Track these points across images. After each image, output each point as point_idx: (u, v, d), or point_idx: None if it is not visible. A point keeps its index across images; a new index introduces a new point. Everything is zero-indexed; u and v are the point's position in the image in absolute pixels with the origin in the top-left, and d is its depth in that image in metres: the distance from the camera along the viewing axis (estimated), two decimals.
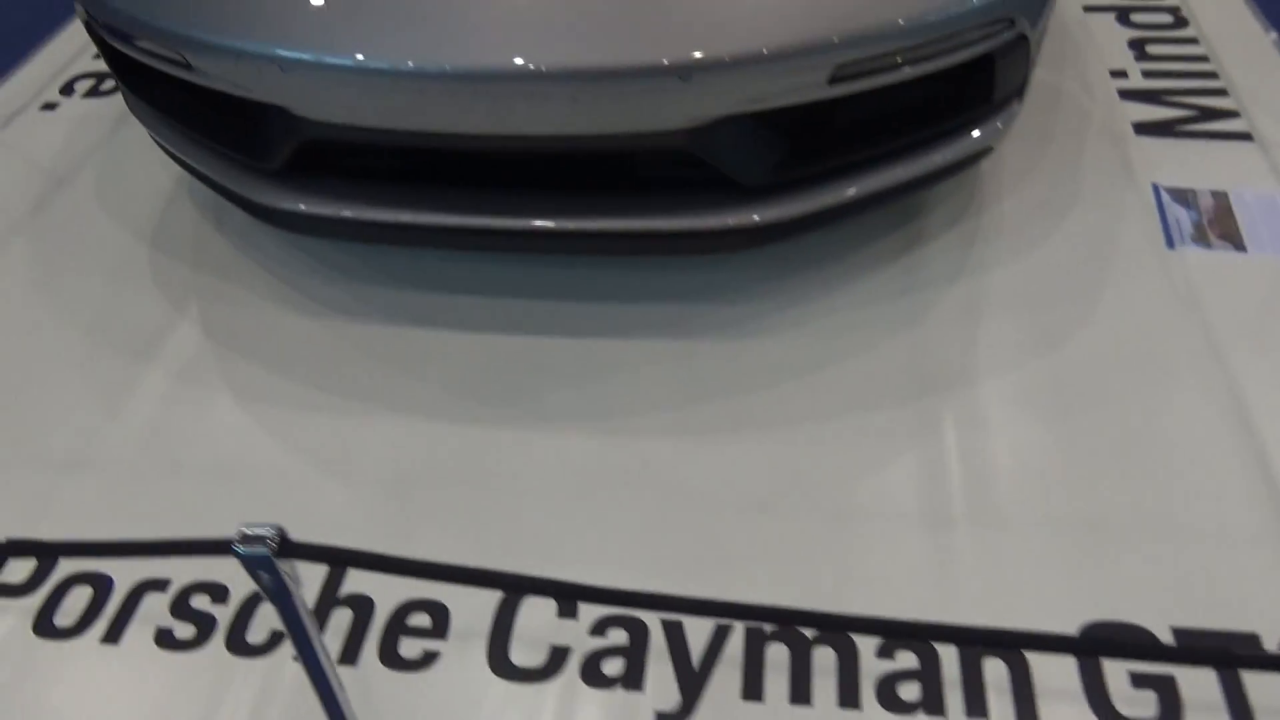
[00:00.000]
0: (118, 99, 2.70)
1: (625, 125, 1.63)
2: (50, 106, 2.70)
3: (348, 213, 1.80)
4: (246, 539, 0.93)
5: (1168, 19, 2.73)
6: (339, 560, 0.99)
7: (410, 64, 1.57)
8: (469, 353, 1.91)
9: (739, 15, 1.56)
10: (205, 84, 1.77)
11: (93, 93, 2.75)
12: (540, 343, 1.91)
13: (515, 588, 1.31)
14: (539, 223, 1.77)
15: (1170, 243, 2.04)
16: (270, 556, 0.92)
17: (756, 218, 1.73)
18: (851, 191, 1.77)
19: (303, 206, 1.82)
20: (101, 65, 2.86)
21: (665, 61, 1.54)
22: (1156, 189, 2.16)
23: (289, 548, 0.92)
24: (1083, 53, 2.55)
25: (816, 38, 1.55)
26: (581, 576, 1.26)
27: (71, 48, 2.94)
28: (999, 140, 1.89)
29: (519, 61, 1.54)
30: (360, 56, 1.59)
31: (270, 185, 1.86)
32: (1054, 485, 1.61)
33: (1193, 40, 2.63)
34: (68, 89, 2.77)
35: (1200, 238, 2.03)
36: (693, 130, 1.64)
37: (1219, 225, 2.05)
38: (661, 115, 1.61)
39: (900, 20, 1.58)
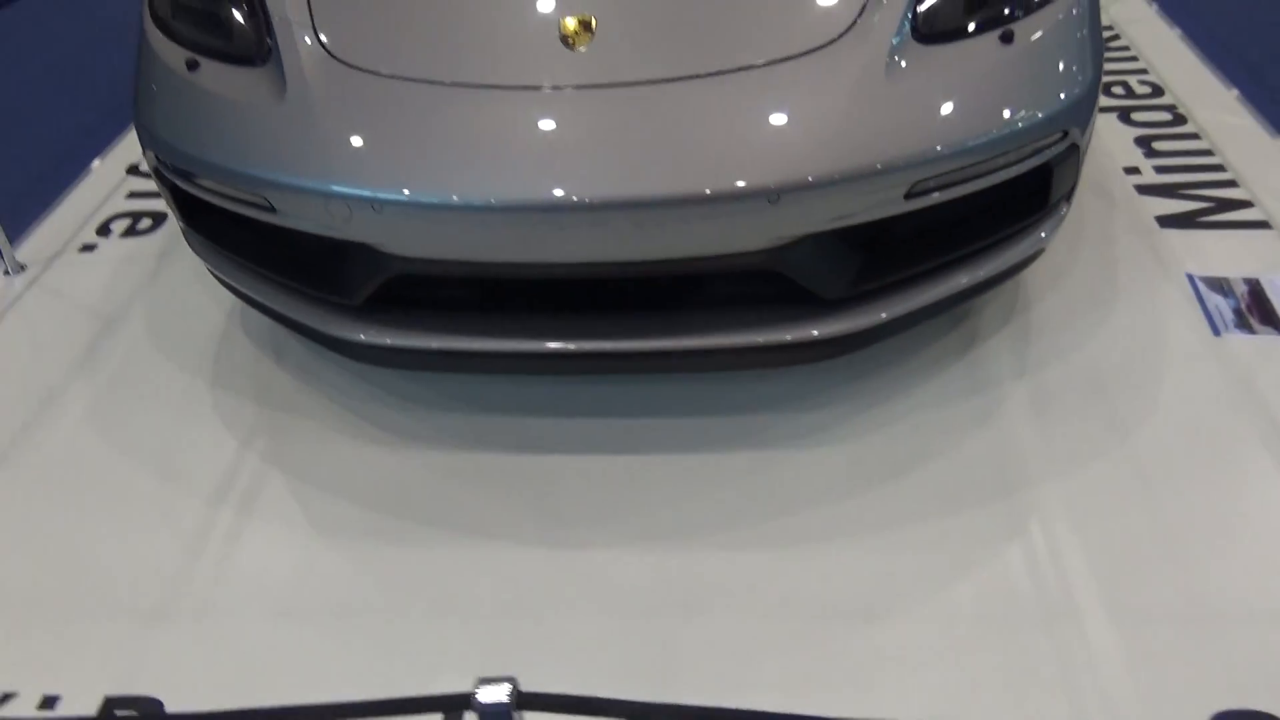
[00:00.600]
0: (158, 237, 2.73)
1: (714, 247, 1.70)
2: (89, 248, 2.72)
3: (434, 344, 1.83)
4: (484, 689, 0.91)
5: (1167, 116, 2.89)
6: (578, 708, 0.97)
7: (507, 200, 1.63)
8: (548, 475, 1.91)
9: (825, 140, 1.64)
10: (288, 225, 1.81)
11: (130, 232, 2.78)
12: (621, 461, 1.92)
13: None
14: (622, 344, 1.81)
15: (1215, 330, 2.12)
16: (509, 708, 0.90)
17: (838, 328, 1.78)
18: (925, 298, 1.84)
19: (390, 340, 1.84)
20: (137, 205, 2.90)
21: (757, 186, 1.61)
22: (1191, 279, 2.26)
23: (524, 698, 0.90)
24: (1095, 151, 2.67)
25: (898, 158, 1.64)
26: (712, 700, 1.22)
27: (103, 189, 2.98)
28: (1051, 240, 1.97)
29: (619, 193, 1.61)
30: (457, 196, 1.64)
31: (354, 320, 1.88)
32: (1154, 574, 1.64)
33: (1194, 136, 2.78)
34: (104, 229, 2.79)
35: (1243, 324, 2.12)
36: (777, 249, 1.71)
37: (1258, 310, 2.15)
38: (749, 236, 1.69)
39: (971, 140, 1.67)
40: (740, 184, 1.60)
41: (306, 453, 2.01)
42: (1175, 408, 1.95)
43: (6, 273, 2.62)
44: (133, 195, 2.95)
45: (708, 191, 1.60)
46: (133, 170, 3.07)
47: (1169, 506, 1.76)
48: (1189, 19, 3.51)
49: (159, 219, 2.81)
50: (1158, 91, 3.03)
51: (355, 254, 1.80)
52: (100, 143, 3.25)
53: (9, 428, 2.14)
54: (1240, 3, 3.71)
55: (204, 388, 2.20)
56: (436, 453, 1.98)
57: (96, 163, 3.12)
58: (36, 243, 2.75)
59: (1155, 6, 3.56)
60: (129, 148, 3.18)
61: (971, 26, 1.77)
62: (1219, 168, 2.62)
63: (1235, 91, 2.99)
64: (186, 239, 2.14)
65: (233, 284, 2.07)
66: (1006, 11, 1.79)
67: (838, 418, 1.98)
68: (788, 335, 1.78)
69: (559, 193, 1.61)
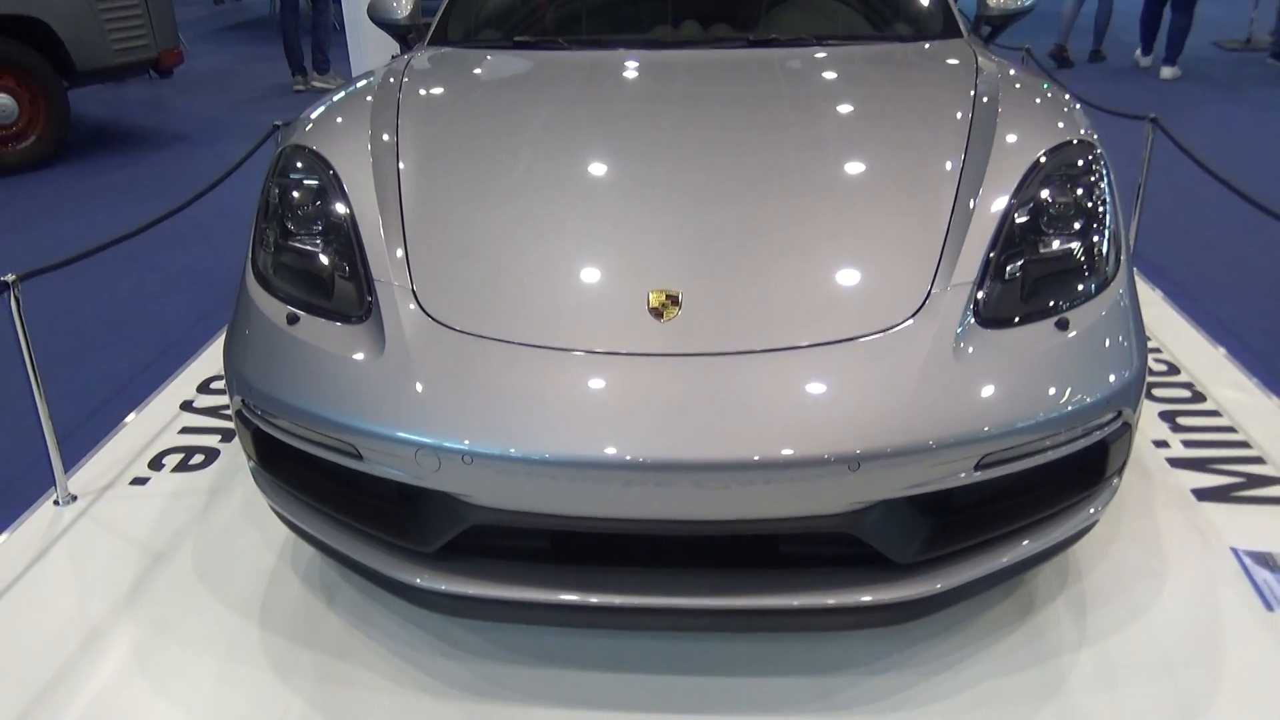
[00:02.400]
0: (210, 473, 2.76)
1: (793, 509, 1.75)
2: (140, 481, 2.74)
3: (503, 593, 1.83)
4: None
5: (1186, 394, 3.03)
6: None
7: (596, 459, 1.69)
8: None
9: (905, 412, 1.72)
10: (372, 472, 1.86)
11: (182, 467, 2.81)
12: None
13: None
14: (696, 601, 1.82)
15: (1269, 605, 2.15)
16: None
17: (911, 592, 1.81)
18: (991, 564, 1.87)
19: (458, 588, 1.84)
20: (190, 440, 2.95)
21: (841, 454, 1.68)
22: (1237, 553, 2.30)
23: None
24: None
25: (972, 431, 1.73)
26: None
27: (157, 424, 3.04)
28: (1104, 512, 2.02)
29: (714, 455, 1.67)
30: (548, 454, 1.70)
31: (422, 566, 1.89)
32: None
33: (1215, 413, 2.91)
34: (156, 463, 2.82)
35: None
36: (851, 513, 1.76)
37: None
38: (827, 500, 1.74)
39: (1038, 417, 1.77)
40: (825, 451, 1.67)
41: (355, 700, 1.97)
42: (1239, 685, 1.94)
43: (57, 503, 2.63)
44: (186, 430, 3.00)
45: (794, 456, 1.67)
46: (186, 406, 3.15)
47: None
48: (1192, 303, 3.75)
49: (211, 455, 2.85)
50: (1173, 370, 3.18)
51: (436, 503, 1.84)
52: (157, 378, 3.35)
53: (49, 667, 2.08)
54: (1243, 287, 3.95)
55: (253, 629, 2.17)
56: (488, 705, 1.94)
57: (153, 399, 3.20)
58: (89, 473, 2.78)
59: (1160, 292, 3.80)
60: (184, 384, 3.29)
61: (1029, 314, 1.89)
62: (1244, 444, 2.73)
63: (1244, 371, 3.13)
64: (256, 479, 2.18)
65: (299, 524, 2.08)
66: (1061, 301, 1.92)
67: (903, 684, 1.96)
68: (865, 597, 1.79)
69: (654, 455, 1.67)
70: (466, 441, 1.73)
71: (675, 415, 1.71)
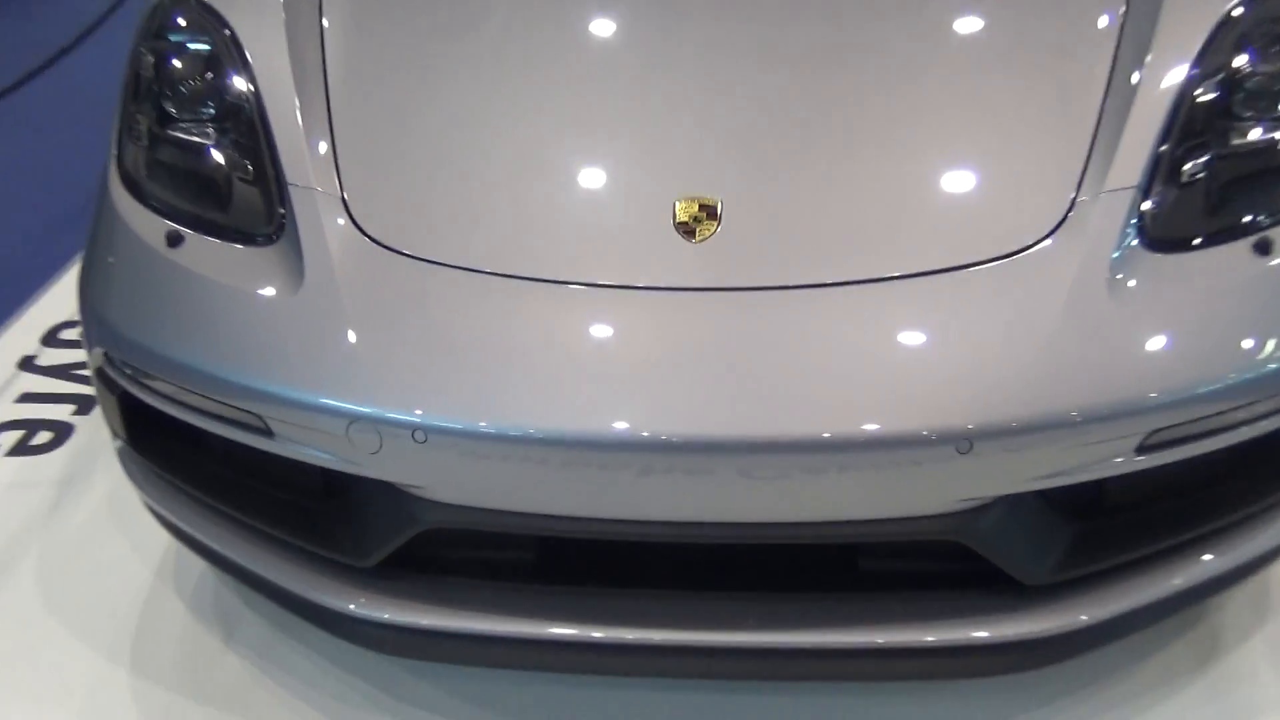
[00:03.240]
0: (59, 458, 2.78)
1: (878, 509, 1.76)
2: None
3: (480, 627, 1.86)
4: None
5: None
6: None
7: (606, 433, 1.69)
8: None
9: (1037, 370, 1.70)
10: (286, 454, 1.86)
11: (21, 449, 2.83)
12: None
13: None
14: (740, 638, 1.84)
15: None
16: None
17: (1044, 627, 1.81)
18: (1160, 589, 1.88)
19: (409, 618, 1.87)
20: (31, 412, 2.96)
21: (946, 430, 1.66)
22: None
23: None
24: None
25: (1133, 398, 1.71)
26: None
27: None
28: None
29: (761, 434, 1.67)
30: (538, 428, 1.69)
31: (359, 587, 1.91)
32: None
33: None
34: None
35: None
36: (960, 514, 1.76)
37: None
38: (928, 496, 1.74)
39: (1230, 376, 1.75)
40: (924, 426, 1.66)
41: None
42: None
43: None
44: (25, 399, 3.02)
45: (878, 435, 1.66)
46: (26, 364, 3.15)
47: None
48: None
49: (62, 432, 2.87)
50: None
51: (376, 497, 1.85)
52: None
53: None
54: None
55: (120, 676, 2.20)
56: None
57: None
58: None
59: None
60: (21, 334, 3.29)
61: (1216, 232, 1.87)
62: None
63: None
64: (124, 464, 2.20)
65: (185, 528, 2.10)
66: (1261, 215, 1.89)
67: None
68: (979, 633, 1.81)
69: (682, 431, 1.67)
70: (419, 411, 1.73)
71: (712, 375, 1.71)
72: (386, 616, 1.90)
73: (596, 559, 1.91)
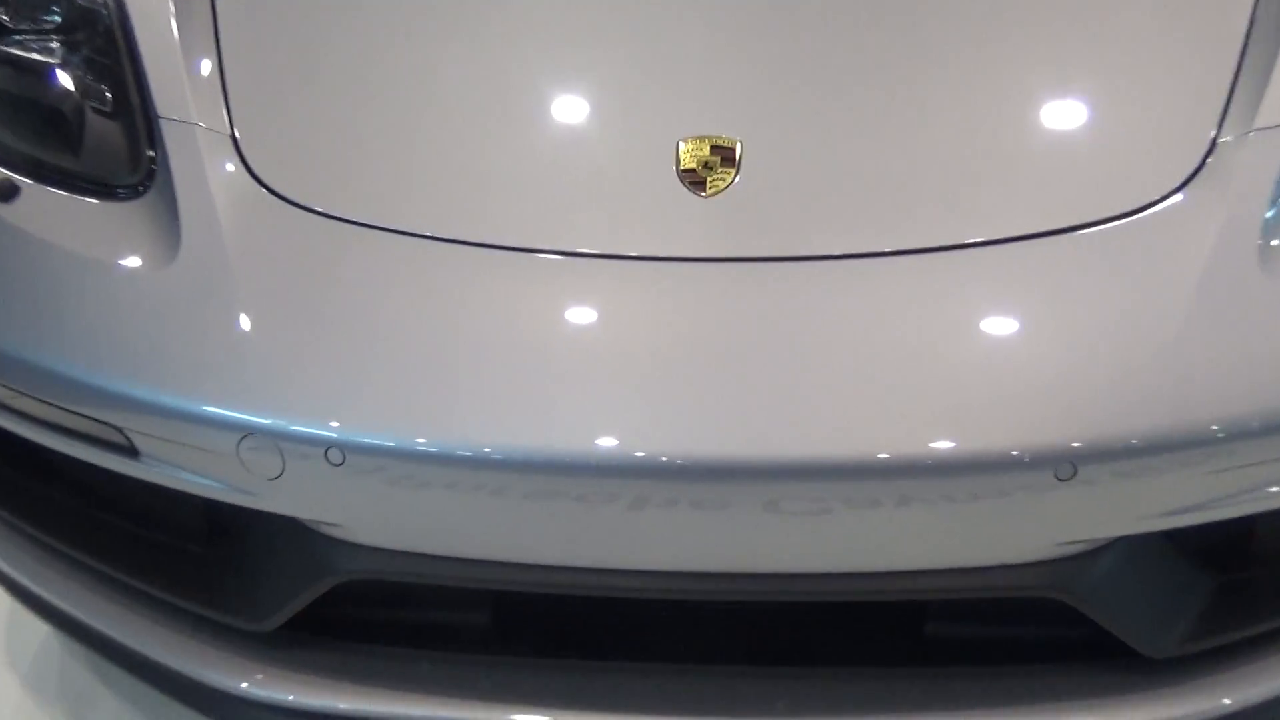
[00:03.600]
0: None
1: (951, 555, 1.69)
2: None
3: (417, 713, 1.79)
4: None
5: None
6: None
7: (587, 453, 1.60)
8: None
9: (1163, 369, 1.62)
10: (155, 479, 1.78)
11: None
12: None
13: None
14: None
15: None
16: None
17: (1175, 713, 1.75)
18: None
19: (342, 705, 1.80)
20: None
21: (1038, 450, 1.57)
22: None
23: None
24: None
25: None
26: None
27: None
28: None
29: (794, 455, 1.58)
30: (491, 446, 1.60)
31: (261, 662, 1.85)
32: None
33: None
34: None
35: None
36: (1060, 562, 1.68)
37: None
38: (1016, 537, 1.66)
39: None
40: (1012, 445, 1.57)
41: None
42: None
43: None
44: None
45: (949, 456, 1.58)
46: None
47: None
48: None
49: None
50: None
51: (277, 540, 1.80)
52: None
53: None
54: None
55: None
56: None
57: None
58: None
59: None
60: None
61: None
62: None
63: None
64: None
65: (22, 580, 2.04)
66: None
67: None
68: (1088, 718, 1.74)
69: (690, 451, 1.59)
70: (334, 423, 1.64)
71: (728, 376, 1.64)
72: (290, 699, 1.84)
73: (572, 623, 1.91)
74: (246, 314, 1.72)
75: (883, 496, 1.60)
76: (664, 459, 1.59)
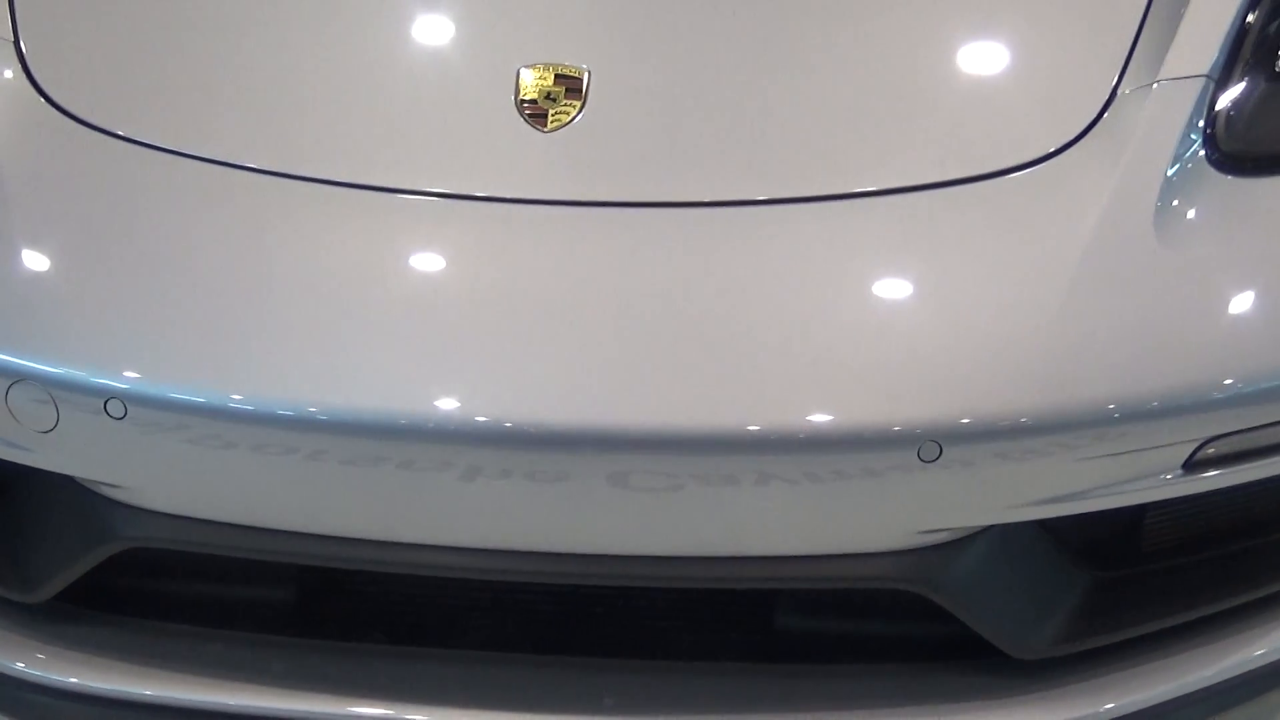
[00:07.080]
0: None
1: (808, 541, 1.65)
2: None
3: (207, 699, 1.75)
4: None
5: None
6: None
7: (413, 414, 1.57)
8: None
9: (1039, 347, 1.60)
10: None
11: None
12: None
13: None
14: None
15: None
16: None
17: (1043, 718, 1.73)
18: (1216, 668, 1.80)
19: (126, 688, 1.76)
20: None
21: (901, 426, 1.54)
22: None
23: None
24: None
25: (1187, 383, 1.60)
26: None
27: None
28: None
29: (644, 424, 1.55)
30: (303, 402, 1.57)
31: (35, 639, 1.80)
32: None
33: None
34: None
35: None
36: (923, 552, 1.66)
37: None
38: (877, 522, 1.63)
39: None
40: (882, 418, 1.54)
41: None
42: None
43: None
44: None
45: (818, 428, 1.55)
46: None
47: None
48: None
49: None
50: None
51: (51, 501, 1.76)
52: None
53: None
54: None
55: None
56: None
57: None
58: None
59: None
60: None
61: None
62: None
63: None
64: None
65: None
66: None
67: None
68: None
69: (527, 416, 1.56)
70: (115, 372, 1.59)
71: (569, 334, 1.62)
72: (73, 680, 1.79)
73: (386, 603, 1.87)
74: (22, 243, 1.68)
75: (739, 473, 1.57)
76: (498, 424, 1.55)
